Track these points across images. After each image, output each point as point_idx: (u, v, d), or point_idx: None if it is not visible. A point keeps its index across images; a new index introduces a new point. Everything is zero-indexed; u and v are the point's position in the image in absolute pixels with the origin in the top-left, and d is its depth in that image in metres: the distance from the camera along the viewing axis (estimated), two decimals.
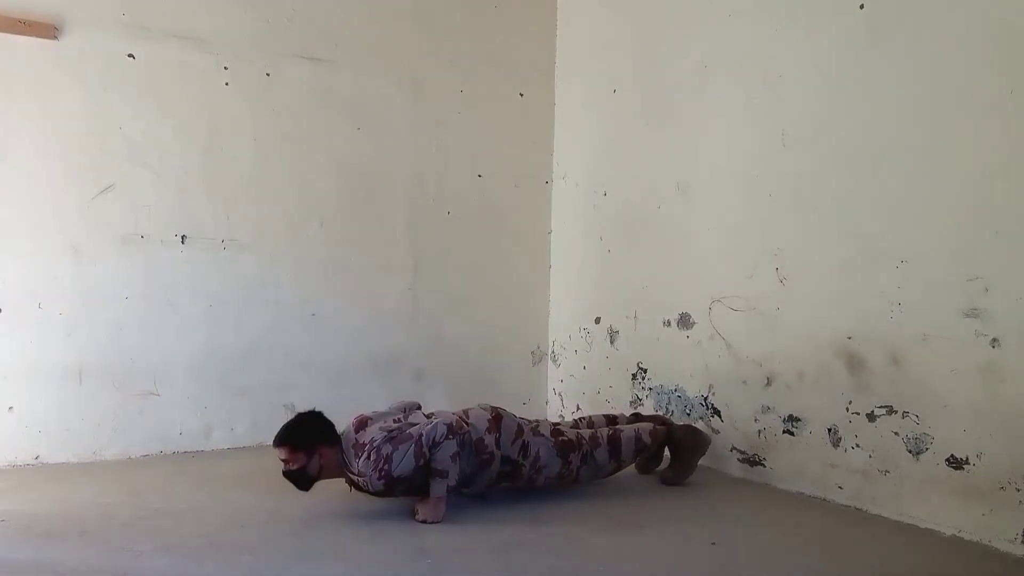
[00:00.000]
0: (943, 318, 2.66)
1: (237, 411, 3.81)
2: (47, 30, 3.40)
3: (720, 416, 3.51)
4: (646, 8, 3.94)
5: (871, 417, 2.89)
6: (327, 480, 2.84)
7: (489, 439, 2.87)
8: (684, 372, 3.69)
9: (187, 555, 2.39)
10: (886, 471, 2.84)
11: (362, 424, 2.85)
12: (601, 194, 4.21)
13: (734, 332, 3.44)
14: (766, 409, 3.29)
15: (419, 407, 3.13)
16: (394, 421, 2.89)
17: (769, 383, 3.28)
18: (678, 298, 3.71)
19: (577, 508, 2.93)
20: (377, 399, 3.49)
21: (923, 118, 2.75)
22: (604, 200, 4.19)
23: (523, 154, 4.48)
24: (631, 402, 3.96)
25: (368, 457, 2.70)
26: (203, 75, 3.72)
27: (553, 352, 4.57)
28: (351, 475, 2.80)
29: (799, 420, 3.16)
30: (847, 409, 2.98)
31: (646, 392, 3.91)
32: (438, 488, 2.73)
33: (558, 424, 3.25)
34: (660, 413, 3.68)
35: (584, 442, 3.05)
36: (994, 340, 2.53)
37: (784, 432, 3.22)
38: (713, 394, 3.54)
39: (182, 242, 3.70)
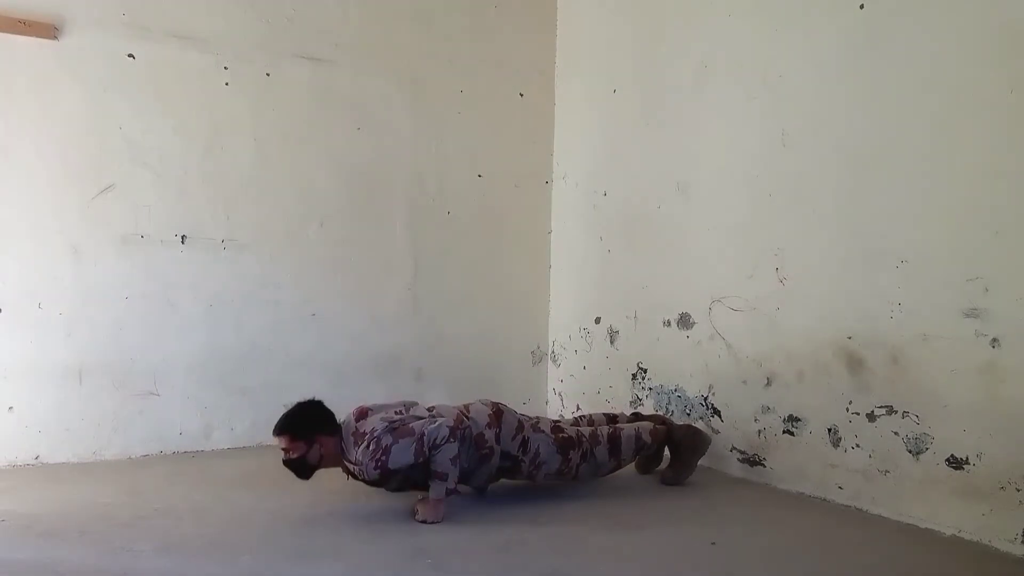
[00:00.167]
0: (943, 318, 2.66)
1: (237, 411, 3.81)
2: (47, 30, 3.40)
3: (720, 416, 3.50)
4: (646, 8, 3.94)
5: (871, 417, 2.89)
6: (327, 480, 2.84)
7: (489, 434, 2.88)
8: (684, 372, 3.68)
9: (187, 555, 2.39)
10: (886, 471, 2.84)
11: (363, 414, 2.86)
12: (601, 194, 4.20)
13: (734, 332, 3.44)
14: (766, 409, 3.29)
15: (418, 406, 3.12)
16: (395, 413, 2.89)
17: (769, 383, 3.28)
18: (678, 298, 3.71)
19: (577, 508, 2.93)
20: (377, 399, 3.44)
21: (923, 118, 2.75)
22: (604, 200, 4.19)
23: (523, 154, 4.48)
24: (631, 402, 3.96)
25: (367, 446, 2.70)
26: (203, 75, 3.72)
27: (553, 352, 4.57)
28: (348, 463, 2.80)
29: (799, 420, 3.16)
30: (847, 409, 2.98)
31: (646, 392, 3.91)
32: (437, 490, 2.72)
33: (558, 421, 3.26)
34: (660, 413, 3.68)
35: (584, 440, 3.05)
36: (994, 340, 2.53)
37: (784, 432, 3.22)
38: (713, 394, 3.54)
39: (182, 242, 3.70)
